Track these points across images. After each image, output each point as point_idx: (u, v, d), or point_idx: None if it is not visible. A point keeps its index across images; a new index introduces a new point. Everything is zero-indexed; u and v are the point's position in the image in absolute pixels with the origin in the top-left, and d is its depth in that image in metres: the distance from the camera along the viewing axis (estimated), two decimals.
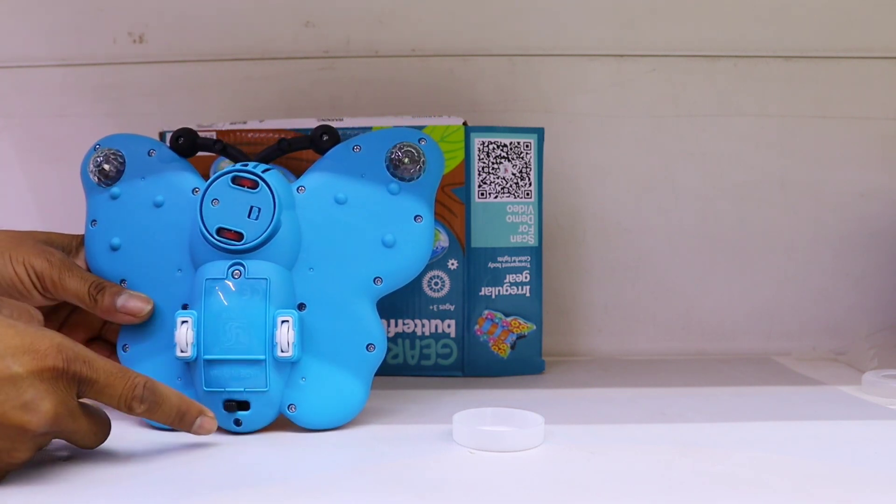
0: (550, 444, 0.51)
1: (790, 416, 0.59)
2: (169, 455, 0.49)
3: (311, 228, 0.56)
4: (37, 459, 0.47)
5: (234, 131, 0.71)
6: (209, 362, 0.53)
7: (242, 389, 0.53)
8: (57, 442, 0.48)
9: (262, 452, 0.50)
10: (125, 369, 0.47)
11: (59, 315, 0.60)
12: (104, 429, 0.48)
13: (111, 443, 0.50)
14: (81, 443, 0.47)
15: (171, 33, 0.83)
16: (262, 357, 0.53)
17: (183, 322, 0.53)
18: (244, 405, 0.53)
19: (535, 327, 0.72)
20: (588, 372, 0.75)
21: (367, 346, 0.55)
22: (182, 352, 0.53)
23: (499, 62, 0.83)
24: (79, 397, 0.45)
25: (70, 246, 0.60)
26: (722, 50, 0.83)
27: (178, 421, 0.49)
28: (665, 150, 0.83)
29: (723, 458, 0.49)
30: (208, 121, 0.76)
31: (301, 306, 0.55)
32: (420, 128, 0.69)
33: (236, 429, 0.53)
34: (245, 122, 0.72)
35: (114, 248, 0.58)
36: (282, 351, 0.53)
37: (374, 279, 0.56)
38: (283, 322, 0.53)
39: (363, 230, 0.56)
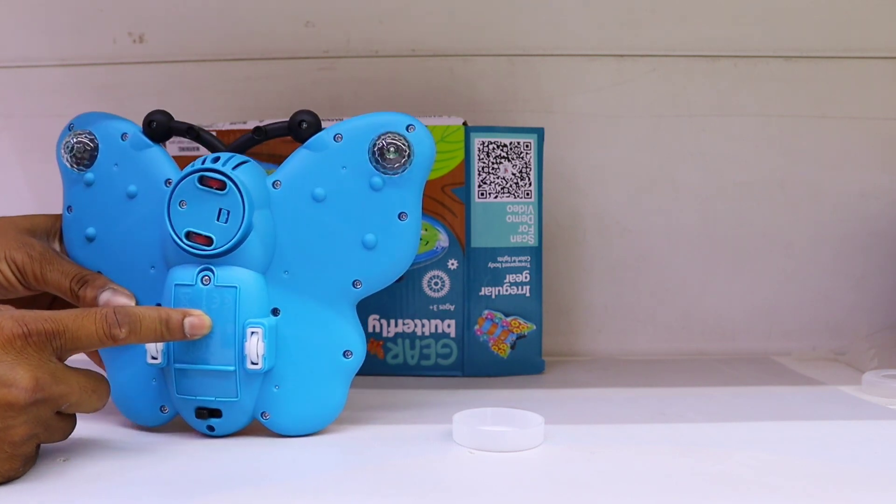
0: (550, 444, 0.51)
1: (790, 416, 0.59)
2: (168, 456, 0.49)
3: (286, 229, 0.53)
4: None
5: (234, 131, 0.71)
6: (180, 371, 0.51)
7: (213, 398, 0.51)
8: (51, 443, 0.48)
9: (260, 453, 0.50)
10: (90, 308, 0.46)
11: (41, 303, 0.59)
12: (101, 385, 0.47)
13: (103, 444, 0.50)
14: (83, 406, 0.46)
15: (171, 33, 0.83)
16: (232, 368, 0.51)
17: None
18: (216, 413, 0.52)
19: (535, 327, 0.72)
20: (588, 372, 0.75)
21: (344, 352, 0.53)
22: (153, 358, 0.51)
23: (499, 62, 0.83)
24: (60, 356, 0.45)
25: (53, 228, 0.59)
26: (722, 50, 0.83)
27: (166, 332, 0.49)
28: (665, 150, 0.83)
29: (723, 458, 0.49)
30: (208, 121, 0.76)
31: (275, 311, 0.53)
32: None
33: (210, 434, 0.53)
34: (245, 122, 0.72)
35: (89, 239, 0.56)
36: (252, 363, 0.51)
37: (353, 282, 0.53)
38: (252, 334, 0.51)
39: (342, 231, 0.53)
